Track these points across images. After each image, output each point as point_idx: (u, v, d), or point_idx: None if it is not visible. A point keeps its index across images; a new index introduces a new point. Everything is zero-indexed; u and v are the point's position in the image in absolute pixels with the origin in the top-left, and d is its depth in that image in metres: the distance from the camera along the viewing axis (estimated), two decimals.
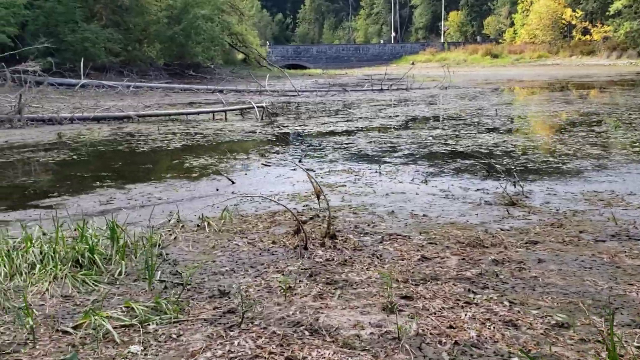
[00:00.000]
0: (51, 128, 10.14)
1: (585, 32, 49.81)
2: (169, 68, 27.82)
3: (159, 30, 26.75)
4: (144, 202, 4.95)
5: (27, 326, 2.39)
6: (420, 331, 2.34)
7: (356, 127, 10.22)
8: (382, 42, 73.29)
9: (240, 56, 38.26)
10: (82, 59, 20.43)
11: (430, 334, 2.33)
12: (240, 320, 2.46)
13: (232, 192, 5.29)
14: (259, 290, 2.88)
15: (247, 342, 2.29)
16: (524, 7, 56.46)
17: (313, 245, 3.54)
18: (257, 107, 11.77)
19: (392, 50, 61.58)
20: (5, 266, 3.08)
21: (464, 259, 3.31)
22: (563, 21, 51.33)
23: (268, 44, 42.34)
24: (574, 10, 50.03)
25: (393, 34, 76.41)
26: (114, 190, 5.43)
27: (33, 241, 3.43)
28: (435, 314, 2.54)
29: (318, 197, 3.77)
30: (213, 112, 11.92)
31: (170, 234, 3.87)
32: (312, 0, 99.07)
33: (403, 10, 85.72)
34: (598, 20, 48.66)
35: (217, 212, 4.56)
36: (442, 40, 67.95)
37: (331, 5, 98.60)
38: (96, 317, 2.43)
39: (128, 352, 2.21)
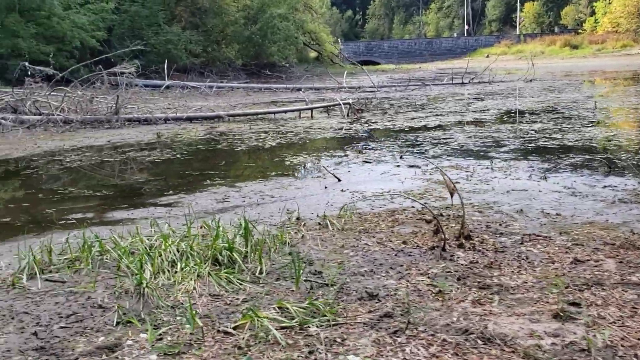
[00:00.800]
0: (147, 128, 10.45)
1: None
2: (246, 68, 28.29)
3: (236, 30, 27.22)
4: (258, 200, 4.95)
5: (194, 327, 2.36)
6: (609, 342, 2.14)
7: (449, 122, 9.94)
8: (455, 35, 71.69)
9: (312, 54, 38.44)
10: (166, 61, 21.12)
11: (622, 345, 2.12)
12: (404, 325, 2.35)
13: (342, 190, 5.20)
14: (407, 293, 2.75)
15: (419, 350, 2.16)
16: None
17: (449, 246, 3.38)
18: (343, 103, 11.70)
19: (466, 43, 60.14)
20: (148, 264, 3.10)
21: (621, 262, 3.06)
22: None
23: (340, 41, 42.27)
24: None
25: (466, 27, 74.64)
26: (226, 188, 5.46)
27: (168, 239, 3.46)
28: (615, 323, 2.32)
29: (451, 195, 3.61)
30: (300, 110, 11.95)
31: (297, 233, 3.81)
32: None
33: (475, 2, 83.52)
34: None
35: (331, 209, 4.48)
36: (517, 32, 65.73)
37: (401, 0, 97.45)
38: (258, 318, 2.38)
39: None
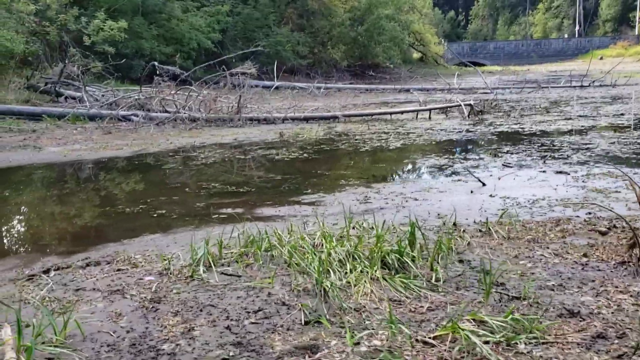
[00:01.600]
0: (267, 127, 10.63)
1: None
2: (350, 69, 28.34)
3: (342, 32, 27.32)
4: (402, 203, 4.80)
5: (395, 334, 2.25)
6: None
7: (582, 126, 9.32)
8: (565, 36, 68.10)
9: (416, 55, 37.88)
10: (275, 62, 21.54)
11: None
12: (630, 351, 2.10)
13: (490, 195, 4.94)
14: (612, 313, 2.49)
15: None
16: None
17: None
18: (464, 104, 11.32)
19: (577, 44, 56.90)
20: (319, 264, 3.03)
21: None
22: None
23: (444, 42, 41.39)
24: None
25: (577, 27, 70.69)
26: (363, 188, 5.37)
27: (331, 239, 3.39)
28: None
29: None
30: (418, 110, 11.70)
31: (460, 239, 3.62)
32: None
33: (587, 1, 78.77)
34: None
35: (487, 215, 4.24)
36: (635, 32, 61.32)
37: (507, 1, 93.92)
38: (464, 331, 2.22)
39: None
